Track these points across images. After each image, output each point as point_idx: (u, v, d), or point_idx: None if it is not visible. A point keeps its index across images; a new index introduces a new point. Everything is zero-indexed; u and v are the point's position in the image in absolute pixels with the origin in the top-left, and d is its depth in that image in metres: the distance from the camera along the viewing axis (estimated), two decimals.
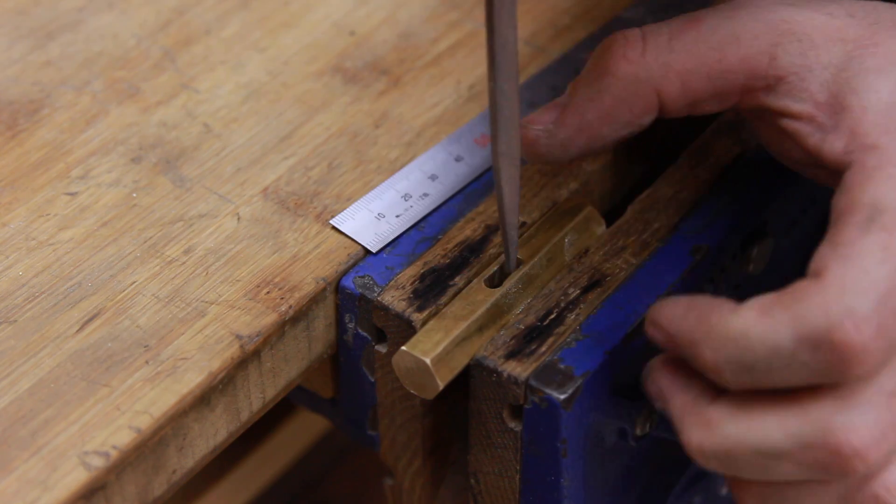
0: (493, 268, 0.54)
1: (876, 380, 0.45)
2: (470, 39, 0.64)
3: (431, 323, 0.52)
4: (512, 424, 0.52)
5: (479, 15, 0.65)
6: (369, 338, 0.55)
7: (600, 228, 0.56)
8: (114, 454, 0.48)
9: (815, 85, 0.50)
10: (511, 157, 0.51)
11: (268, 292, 0.53)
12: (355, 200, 0.56)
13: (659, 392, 0.49)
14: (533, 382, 0.51)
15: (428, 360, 0.51)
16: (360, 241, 0.55)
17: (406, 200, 0.56)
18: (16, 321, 0.52)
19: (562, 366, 0.51)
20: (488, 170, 0.58)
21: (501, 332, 0.52)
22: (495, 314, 0.53)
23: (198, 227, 0.56)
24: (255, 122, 0.60)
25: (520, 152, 0.51)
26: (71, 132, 0.59)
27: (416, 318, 0.53)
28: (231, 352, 0.51)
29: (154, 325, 0.52)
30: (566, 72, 0.62)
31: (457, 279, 0.54)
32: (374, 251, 0.55)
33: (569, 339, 0.52)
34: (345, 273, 0.55)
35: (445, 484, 0.58)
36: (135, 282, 0.54)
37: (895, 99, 0.49)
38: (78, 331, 0.52)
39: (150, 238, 0.55)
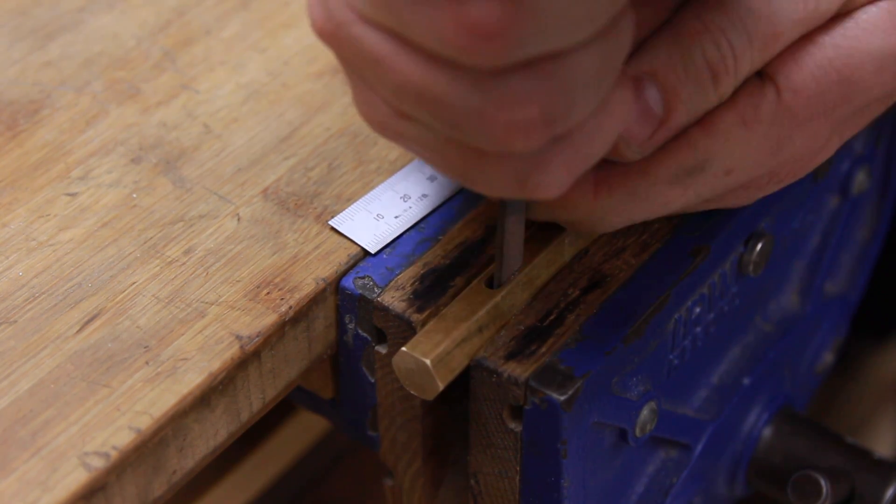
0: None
1: None
2: None
3: (431, 324, 0.52)
4: (512, 425, 0.52)
5: None
6: (369, 338, 0.55)
7: None
8: (114, 455, 0.48)
9: None
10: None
11: (268, 293, 0.53)
12: (355, 201, 0.56)
13: None
14: (533, 383, 0.51)
15: (428, 361, 0.51)
16: (358, 242, 0.55)
17: (405, 201, 0.57)
18: (16, 321, 0.52)
19: (562, 366, 0.51)
20: None
21: (501, 333, 0.52)
22: (495, 315, 0.53)
23: (198, 228, 0.56)
24: (255, 122, 0.60)
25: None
26: (71, 132, 0.59)
27: (416, 318, 0.53)
28: (231, 352, 0.51)
29: (154, 326, 0.52)
30: None
31: (457, 280, 0.54)
32: (372, 252, 0.55)
33: (569, 340, 0.52)
34: (345, 274, 0.55)
35: (445, 484, 0.58)
36: (135, 282, 0.54)
37: None
38: (78, 331, 0.52)
39: (151, 238, 0.55)
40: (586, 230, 0.53)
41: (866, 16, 0.51)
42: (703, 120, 0.50)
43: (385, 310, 0.53)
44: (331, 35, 0.45)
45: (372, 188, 0.57)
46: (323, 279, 0.54)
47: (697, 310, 0.57)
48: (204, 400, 0.51)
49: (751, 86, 0.50)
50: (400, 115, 0.45)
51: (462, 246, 0.55)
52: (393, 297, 0.53)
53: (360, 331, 0.55)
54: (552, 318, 0.53)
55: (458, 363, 0.51)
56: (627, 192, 0.51)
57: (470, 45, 0.41)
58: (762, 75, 0.50)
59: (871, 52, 0.51)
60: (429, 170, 0.58)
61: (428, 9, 0.41)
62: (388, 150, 0.59)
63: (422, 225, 0.56)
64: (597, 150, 0.46)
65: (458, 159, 0.45)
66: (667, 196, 0.51)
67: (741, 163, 0.51)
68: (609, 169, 0.51)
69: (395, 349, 0.52)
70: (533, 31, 0.40)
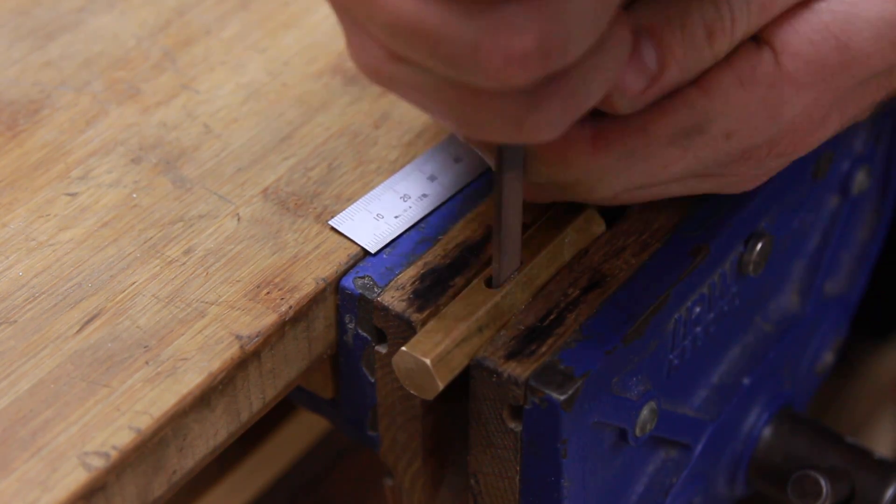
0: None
1: None
2: None
3: (431, 323, 0.52)
4: (512, 425, 0.52)
5: None
6: (369, 338, 0.55)
7: (600, 229, 0.56)
8: (114, 454, 0.48)
9: None
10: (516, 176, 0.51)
11: (268, 293, 0.53)
12: (355, 201, 0.56)
13: None
14: (533, 383, 0.51)
15: (428, 361, 0.51)
16: (358, 242, 0.55)
17: (405, 201, 0.57)
18: (16, 321, 0.52)
19: (562, 366, 0.51)
20: (487, 170, 0.58)
21: (501, 333, 0.52)
22: (495, 314, 0.53)
23: (198, 228, 0.56)
24: (255, 122, 0.60)
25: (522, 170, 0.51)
26: (71, 132, 0.59)
27: (416, 318, 0.53)
28: (231, 352, 0.51)
29: (154, 326, 0.52)
30: None
31: (457, 279, 0.54)
32: (372, 252, 0.55)
33: (569, 340, 0.52)
34: (345, 273, 0.55)
35: (445, 484, 0.58)
36: (135, 282, 0.54)
37: None
38: (78, 331, 0.52)
39: (151, 238, 0.55)
40: (584, 193, 0.53)
41: None
42: (701, 80, 0.50)
43: (385, 310, 0.53)
44: None
45: (372, 188, 0.57)
46: (323, 279, 0.54)
47: (697, 310, 0.57)
48: (204, 400, 0.51)
49: (748, 49, 0.50)
50: (394, 57, 0.45)
51: (462, 246, 0.55)
52: (393, 297, 0.53)
53: (360, 331, 0.55)
54: (552, 317, 0.53)
55: (458, 363, 0.51)
56: (626, 150, 0.51)
57: None
58: (759, 40, 0.51)
59: (870, 18, 0.51)
60: (429, 169, 0.58)
61: None
62: (388, 150, 0.59)
63: (422, 225, 0.56)
64: (594, 91, 0.45)
65: (453, 101, 0.45)
66: (666, 157, 0.51)
67: (740, 126, 0.51)
68: (607, 126, 0.51)
69: (395, 349, 0.52)
70: None
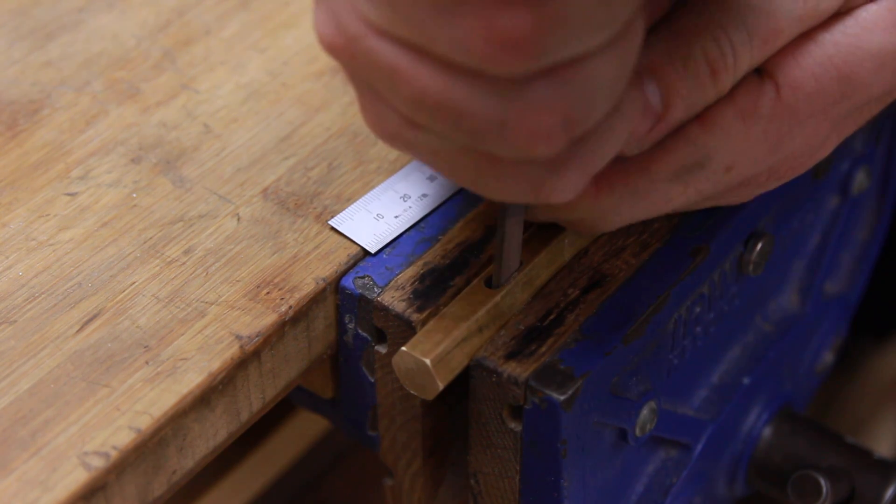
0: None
1: None
2: None
3: (431, 323, 0.52)
4: (512, 425, 0.52)
5: None
6: (369, 338, 0.55)
7: None
8: (114, 454, 0.48)
9: None
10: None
11: (268, 293, 0.53)
12: (355, 201, 0.57)
13: None
14: (533, 383, 0.51)
15: (428, 361, 0.51)
16: (358, 242, 0.55)
17: (405, 201, 0.57)
18: (16, 321, 0.52)
19: (562, 366, 0.51)
20: None
21: (501, 333, 0.52)
22: (495, 314, 0.53)
23: (198, 228, 0.56)
24: (255, 122, 0.60)
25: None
26: (71, 132, 0.59)
27: (416, 318, 0.53)
28: (231, 352, 0.52)
29: (154, 326, 0.52)
30: None
31: (457, 279, 0.54)
32: (372, 252, 0.55)
33: (569, 340, 0.52)
34: (345, 273, 0.55)
35: (445, 484, 0.58)
36: (135, 282, 0.54)
37: None
38: (78, 331, 0.52)
39: (150, 238, 0.55)
40: (588, 230, 0.53)
41: (867, 14, 0.51)
42: (703, 116, 0.50)
43: (385, 310, 0.53)
44: (342, 49, 0.44)
45: (372, 188, 0.57)
46: (323, 279, 0.54)
47: (697, 309, 0.57)
48: (204, 400, 0.51)
49: (750, 82, 0.50)
50: (412, 125, 0.45)
51: (462, 246, 0.55)
52: (393, 297, 0.53)
53: (359, 331, 0.55)
54: (552, 317, 0.53)
55: (458, 363, 0.51)
56: (629, 190, 0.51)
57: (498, 54, 0.40)
58: (761, 72, 0.50)
59: (871, 49, 0.51)
60: (429, 169, 0.58)
61: (454, 20, 0.40)
62: (388, 150, 0.59)
63: (422, 225, 0.56)
64: (609, 151, 0.46)
65: (471, 167, 0.45)
66: (668, 193, 0.51)
67: (741, 159, 0.51)
68: (610, 167, 0.51)
69: (394, 349, 0.52)
70: (558, 37, 0.40)
